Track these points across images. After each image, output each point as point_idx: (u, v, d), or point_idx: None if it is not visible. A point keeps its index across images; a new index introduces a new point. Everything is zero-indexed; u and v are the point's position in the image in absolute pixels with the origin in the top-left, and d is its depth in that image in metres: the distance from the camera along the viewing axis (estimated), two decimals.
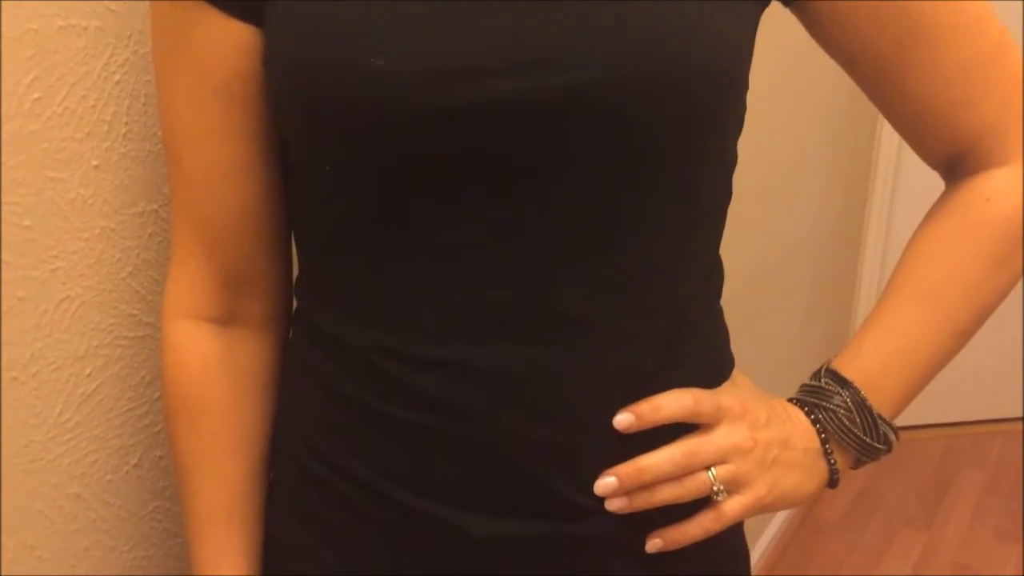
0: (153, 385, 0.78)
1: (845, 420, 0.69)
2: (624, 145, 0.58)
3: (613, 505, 0.64)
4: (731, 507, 0.66)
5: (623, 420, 0.64)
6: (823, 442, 0.69)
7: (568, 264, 0.61)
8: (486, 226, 0.59)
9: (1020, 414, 3.05)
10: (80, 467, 0.74)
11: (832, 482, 0.70)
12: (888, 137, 2.64)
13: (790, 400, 0.72)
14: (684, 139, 0.60)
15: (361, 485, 0.66)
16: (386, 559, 0.67)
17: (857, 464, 0.71)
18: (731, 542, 0.74)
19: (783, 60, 1.72)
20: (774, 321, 2.09)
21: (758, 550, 2.33)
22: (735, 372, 0.73)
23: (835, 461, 0.69)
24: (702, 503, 0.67)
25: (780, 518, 2.46)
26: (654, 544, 0.66)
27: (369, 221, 0.61)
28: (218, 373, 0.70)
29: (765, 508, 0.67)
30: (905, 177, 2.70)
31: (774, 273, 2.03)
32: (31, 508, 0.71)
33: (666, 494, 0.65)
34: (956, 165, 0.72)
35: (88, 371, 0.73)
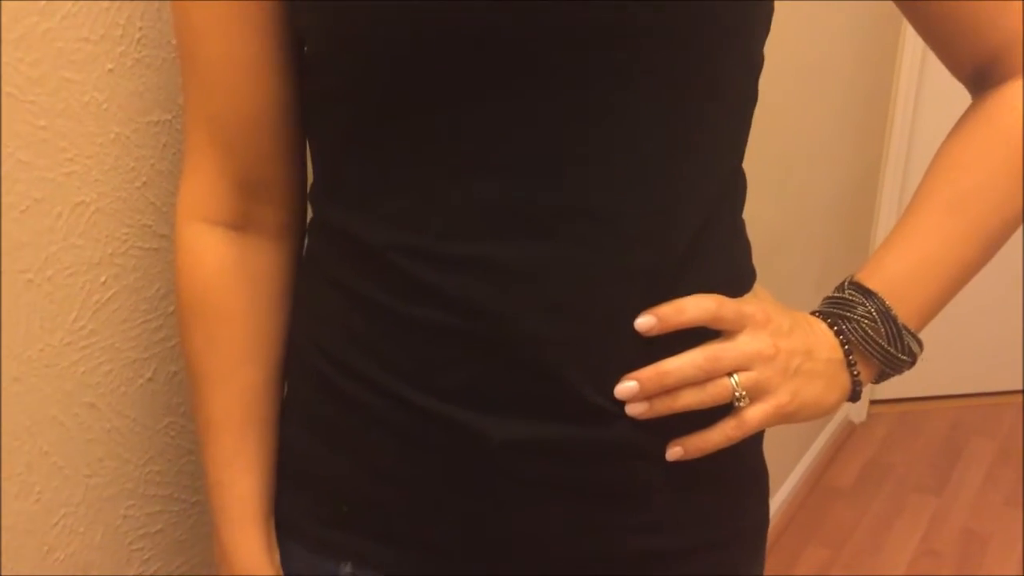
0: (167, 299, 0.78)
1: (869, 330, 0.68)
2: (649, 33, 0.57)
3: (633, 410, 0.63)
4: (753, 414, 0.65)
5: (645, 322, 0.63)
6: (846, 353, 0.68)
7: (589, 157, 0.60)
8: (503, 117, 0.59)
9: None
10: (95, 376, 0.74)
11: (854, 394, 0.69)
12: (903, 103, 2.62)
13: (813, 313, 0.71)
14: (712, 32, 0.59)
15: (378, 390, 0.65)
16: (404, 466, 0.66)
17: (880, 377, 0.71)
18: (752, 467, 0.74)
19: (799, 28, 1.71)
20: (788, 286, 2.08)
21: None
22: (756, 285, 0.72)
23: (858, 373, 0.69)
24: (724, 413, 0.66)
25: (791, 484, 2.46)
26: (674, 452, 0.65)
27: (384, 114, 0.60)
28: (233, 278, 0.69)
29: (787, 417, 0.67)
30: (920, 143, 2.68)
31: (788, 239, 2.02)
32: (46, 414, 0.71)
33: (687, 399, 0.64)
34: (984, 76, 0.71)
35: (103, 279, 0.73)
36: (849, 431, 2.87)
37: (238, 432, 0.70)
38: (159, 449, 0.81)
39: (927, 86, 2.59)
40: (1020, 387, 3.04)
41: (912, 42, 2.53)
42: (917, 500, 2.55)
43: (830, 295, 0.72)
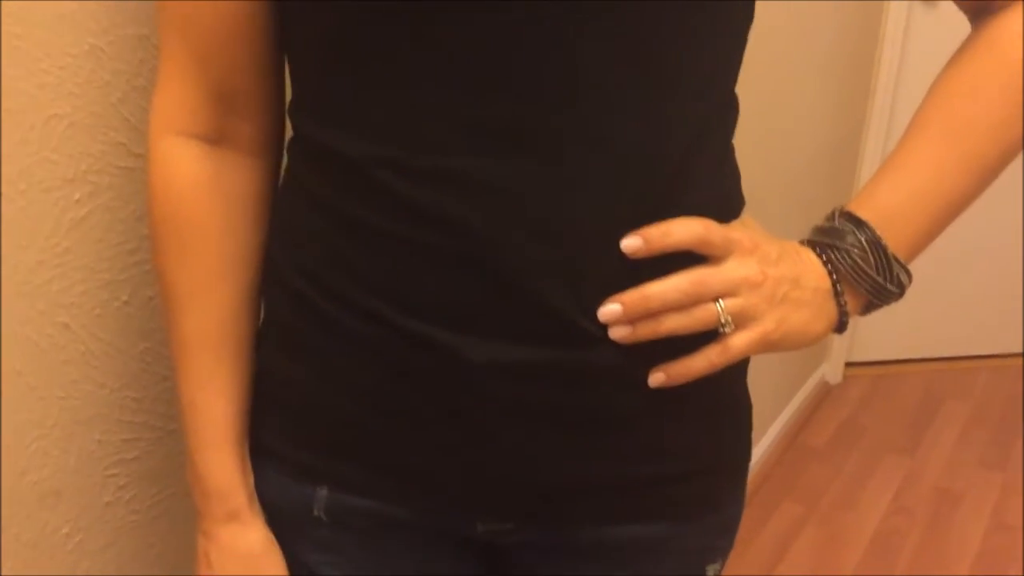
0: (143, 221, 0.76)
1: (859, 260, 0.67)
2: None
3: (616, 333, 0.62)
4: (738, 341, 0.65)
5: (631, 243, 0.62)
6: (834, 283, 0.68)
7: (577, 76, 0.58)
8: (487, 31, 0.57)
9: (1005, 350, 3.07)
10: (69, 296, 0.72)
11: (841, 324, 0.69)
12: (887, 62, 2.61)
13: (802, 242, 0.70)
14: None
15: (358, 310, 0.64)
16: (384, 389, 0.65)
17: (867, 308, 0.70)
18: (736, 398, 0.74)
19: None
20: (775, 224, 2.07)
21: None
22: (744, 214, 0.71)
23: (845, 303, 0.68)
24: (709, 341, 0.65)
25: (766, 443, 2.48)
26: (656, 378, 0.65)
27: (363, 22, 0.59)
28: (208, 193, 0.68)
29: (772, 345, 0.66)
30: (903, 103, 2.68)
31: (770, 197, 2.02)
32: (20, 332, 0.70)
33: (672, 323, 0.63)
34: (985, 4, 0.70)
35: (77, 196, 0.71)
36: (824, 392, 2.90)
37: (212, 352, 0.69)
38: (134, 375, 0.79)
39: (912, 45, 2.59)
40: (995, 351, 3.07)
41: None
42: (891, 460, 2.57)
43: (820, 224, 0.71)
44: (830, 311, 0.68)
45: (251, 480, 0.71)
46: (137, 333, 0.79)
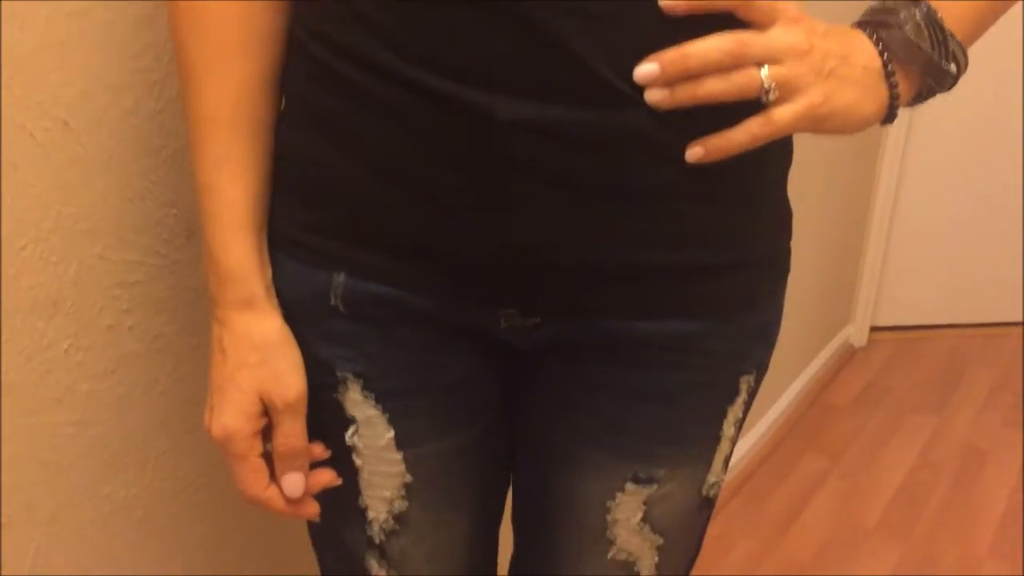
0: (150, 26, 0.73)
1: (912, 35, 0.63)
2: None
3: (653, 96, 0.58)
4: (782, 113, 0.60)
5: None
6: (885, 63, 0.63)
7: None
8: None
9: None
10: (66, 90, 0.69)
11: (891, 111, 0.64)
12: None
13: (851, 25, 0.66)
14: None
15: (381, 71, 0.60)
16: (405, 157, 0.61)
17: (919, 95, 0.66)
18: (776, 193, 0.70)
19: None
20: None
21: (764, 424, 2.30)
22: None
23: (896, 85, 0.64)
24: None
25: (788, 399, 2.43)
26: (694, 152, 0.60)
27: None
28: None
29: (818, 121, 0.61)
30: None
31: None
32: (15, 120, 0.67)
33: (711, 87, 0.59)
34: None
35: None
36: (849, 354, 2.84)
37: (229, 131, 0.65)
38: (138, 192, 0.76)
39: None
40: (1021, 319, 3.01)
41: None
42: (916, 419, 2.52)
43: (872, 5, 0.66)
44: (880, 93, 0.63)
45: (268, 272, 0.68)
46: (141, 147, 0.76)
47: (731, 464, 2.24)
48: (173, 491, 0.86)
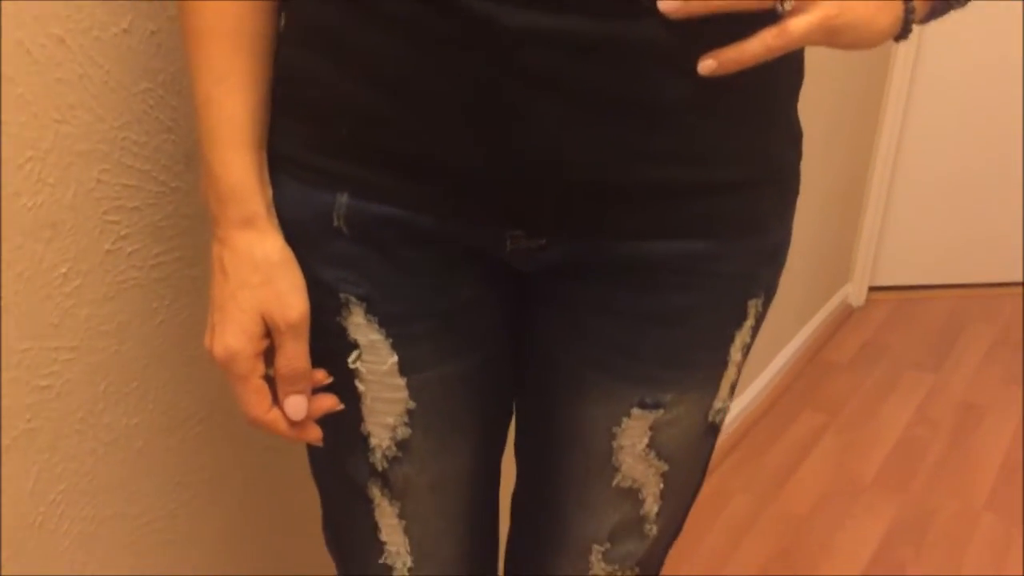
0: None
1: None
2: None
3: (666, 6, 0.57)
4: (797, 24, 0.59)
5: None
6: None
7: None
8: None
9: None
10: (64, 9, 0.68)
11: (906, 25, 0.63)
12: None
13: None
14: None
15: None
16: (410, 71, 0.60)
17: (933, 10, 0.64)
18: (787, 110, 0.68)
19: None
20: None
21: (761, 381, 2.30)
22: None
23: None
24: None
25: (785, 357, 2.43)
26: (707, 65, 0.59)
27: None
28: None
29: (832, 32, 0.60)
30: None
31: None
32: (12, 37, 0.65)
33: None
34: None
35: None
36: (847, 313, 2.84)
37: (230, 44, 0.64)
38: (135, 116, 0.75)
39: None
40: (1021, 279, 3.00)
41: None
42: (914, 376, 2.52)
43: None
44: (895, 7, 0.62)
45: (269, 192, 0.66)
46: (139, 70, 0.74)
47: (728, 421, 2.26)
48: (173, 424, 0.86)
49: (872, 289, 2.94)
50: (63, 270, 0.73)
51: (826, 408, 2.35)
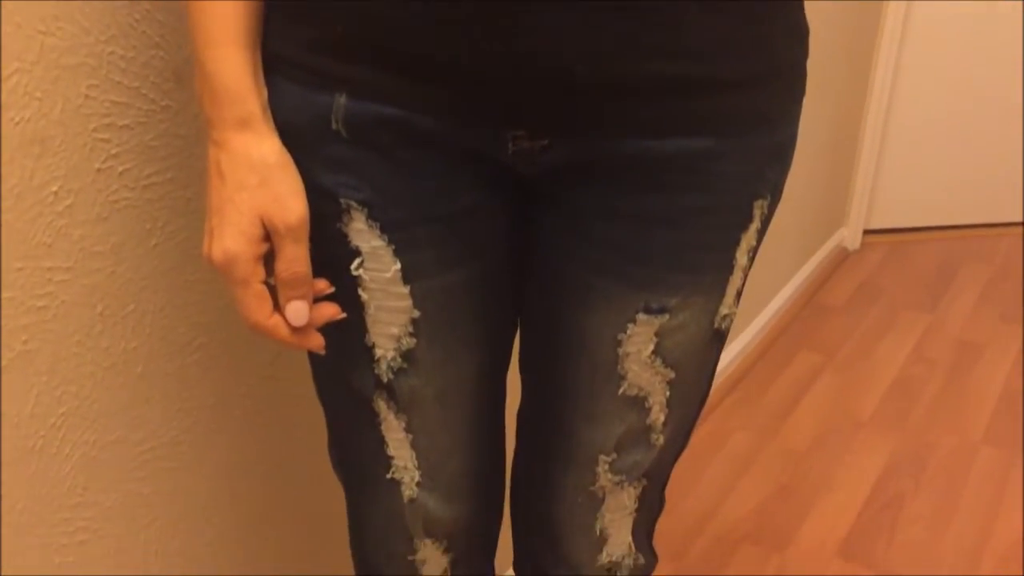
0: None
1: None
2: None
3: None
4: None
5: None
6: None
7: None
8: None
9: None
10: None
11: None
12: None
13: None
14: None
15: None
16: None
17: None
18: (793, 12, 0.67)
19: None
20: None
21: (757, 324, 2.30)
22: None
23: None
24: None
25: (781, 300, 2.43)
26: None
27: None
28: None
29: None
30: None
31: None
32: None
33: None
34: None
35: None
36: (842, 257, 2.84)
37: None
38: (121, 29, 0.73)
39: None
40: (1017, 219, 3.00)
41: None
42: (910, 316, 2.52)
43: None
44: None
45: (264, 92, 0.65)
46: None
47: (724, 363, 2.25)
48: (172, 350, 0.85)
49: (867, 232, 2.94)
50: (54, 188, 0.71)
51: (822, 349, 2.35)
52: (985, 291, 2.65)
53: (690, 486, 1.84)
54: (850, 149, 2.77)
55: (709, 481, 1.86)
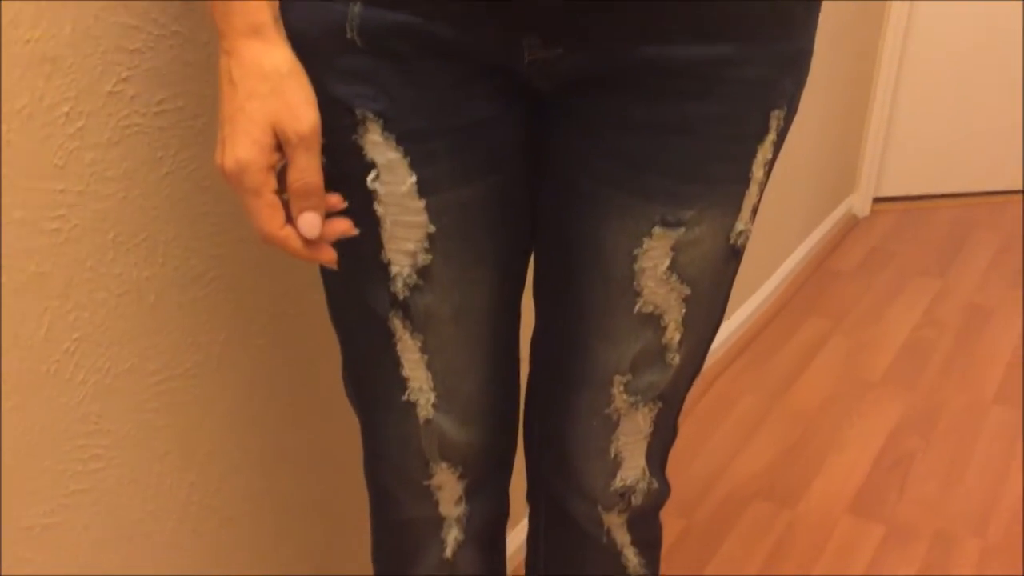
0: None
1: None
2: None
3: None
4: None
5: None
6: None
7: None
8: None
9: None
10: None
11: None
12: None
13: None
14: None
15: None
16: None
17: None
18: None
19: None
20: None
21: (766, 289, 2.30)
22: None
23: None
24: None
25: (792, 263, 2.42)
26: None
27: None
28: None
29: None
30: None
31: None
32: None
33: None
34: None
35: None
36: (852, 224, 2.83)
37: None
38: None
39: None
40: None
41: None
42: (920, 281, 2.51)
43: None
44: None
45: (276, 4, 0.64)
46: None
47: (733, 326, 2.24)
48: (184, 280, 0.85)
49: (876, 200, 2.93)
50: (65, 109, 0.71)
51: (832, 314, 2.34)
52: (994, 258, 2.64)
53: (700, 447, 1.83)
54: (860, 117, 2.75)
55: (719, 442, 1.86)
